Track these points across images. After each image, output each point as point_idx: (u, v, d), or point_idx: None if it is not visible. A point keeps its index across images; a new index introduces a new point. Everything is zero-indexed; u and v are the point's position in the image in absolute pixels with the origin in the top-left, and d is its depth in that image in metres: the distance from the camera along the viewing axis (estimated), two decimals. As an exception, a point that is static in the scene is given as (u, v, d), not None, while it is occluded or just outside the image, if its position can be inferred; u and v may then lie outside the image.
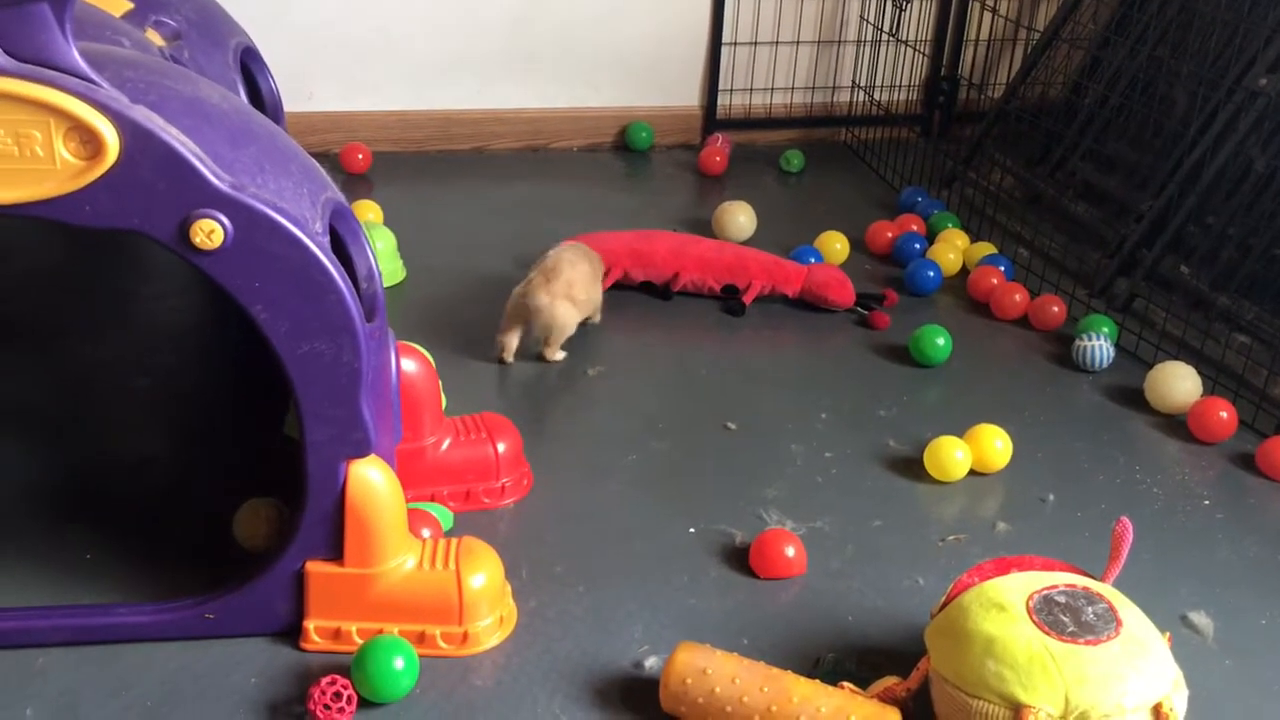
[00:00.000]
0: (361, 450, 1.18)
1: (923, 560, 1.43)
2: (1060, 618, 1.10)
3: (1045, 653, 1.07)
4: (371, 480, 1.19)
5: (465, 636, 1.24)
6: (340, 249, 1.21)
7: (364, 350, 1.14)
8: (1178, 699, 1.10)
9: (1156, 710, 1.08)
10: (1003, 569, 1.21)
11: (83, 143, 1.00)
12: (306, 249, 1.09)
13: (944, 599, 1.19)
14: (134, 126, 1.01)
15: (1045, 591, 1.13)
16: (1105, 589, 1.16)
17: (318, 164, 1.27)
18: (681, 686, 1.15)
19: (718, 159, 2.61)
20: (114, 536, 1.37)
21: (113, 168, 1.01)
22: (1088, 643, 1.08)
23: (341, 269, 1.12)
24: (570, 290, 1.80)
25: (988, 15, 2.61)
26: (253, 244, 1.07)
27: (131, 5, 1.59)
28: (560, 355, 1.83)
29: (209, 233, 1.05)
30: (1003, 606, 1.12)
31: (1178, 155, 2.13)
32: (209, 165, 1.04)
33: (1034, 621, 1.10)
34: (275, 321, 1.10)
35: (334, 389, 1.14)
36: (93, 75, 1.00)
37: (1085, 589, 1.14)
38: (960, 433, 1.62)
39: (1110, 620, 1.11)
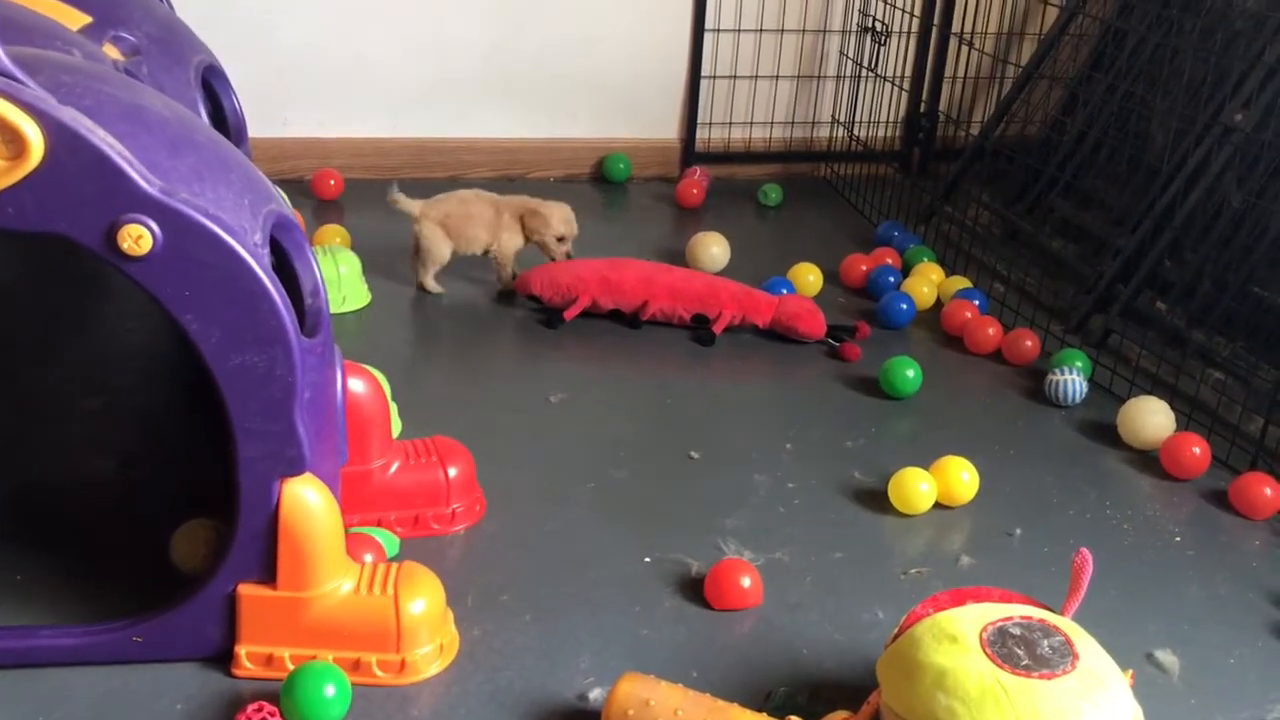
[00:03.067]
0: (295, 468, 1.14)
1: (883, 594, 1.39)
2: (1015, 650, 1.06)
3: (998, 686, 1.03)
4: (306, 500, 1.15)
5: (403, 665, 1.19)
6: (284, 263, 1.19)
7: (299, 364, 1.11)
8: (1137, 736, 1.06)
9: (1115, 748, 1.03)
10: (958, 600, 1.17)
11: (5, 142, 0.97)
12: (239, 257, 1.05)
13: (897, 630, 1.15)
14: (59, 127, 0.98)
15: (1000, 624, 1.09)
16: (1063, 622, 1.12)
17: (264, 177, 1.24)
18: (624, 718, 1.11)
19: (695, 191, 2.59)
20: (48, 558, 1.32)
21: (37, 169, 0.98)
22: (1042, 676, 1.03)
23: (276, 280, 1.09)
24: (444, 219, 2.03)
25: (967, 52, 2.60)
26: (183, 251, 1.03)
27: (90, 19, 1.57)
28: (432, 286, 2.03)
29: (136, 238, 1.02)
30: (955, 638, 1.07)
31: (1154, 192, 2.11)
32: (138, 169, 1.01)
33: (987, 654, 1.06)
34: (206, 331, 1.06)
35: (267, 403, 1.10)
36: (18, 74, 0.98)
37: (1042, 621, 1.10)
38: (928, 465, 1.58)
39: (1067, 654, 1.07)
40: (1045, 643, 1.07)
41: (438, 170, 2.64)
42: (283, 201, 1.26)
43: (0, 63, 0.97)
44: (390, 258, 2.18)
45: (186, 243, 1.03)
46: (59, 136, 0.98)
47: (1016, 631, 1.08)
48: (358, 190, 2.53)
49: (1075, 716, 1.02)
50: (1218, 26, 2.11)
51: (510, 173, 2.68)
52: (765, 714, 1.11)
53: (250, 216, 1.13)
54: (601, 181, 2.73)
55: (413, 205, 2.05)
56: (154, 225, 1.02)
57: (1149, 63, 2.27)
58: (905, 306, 2.07)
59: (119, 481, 1.50)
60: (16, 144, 0.97)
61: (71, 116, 0.99)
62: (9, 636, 1.18)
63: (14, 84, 0.97)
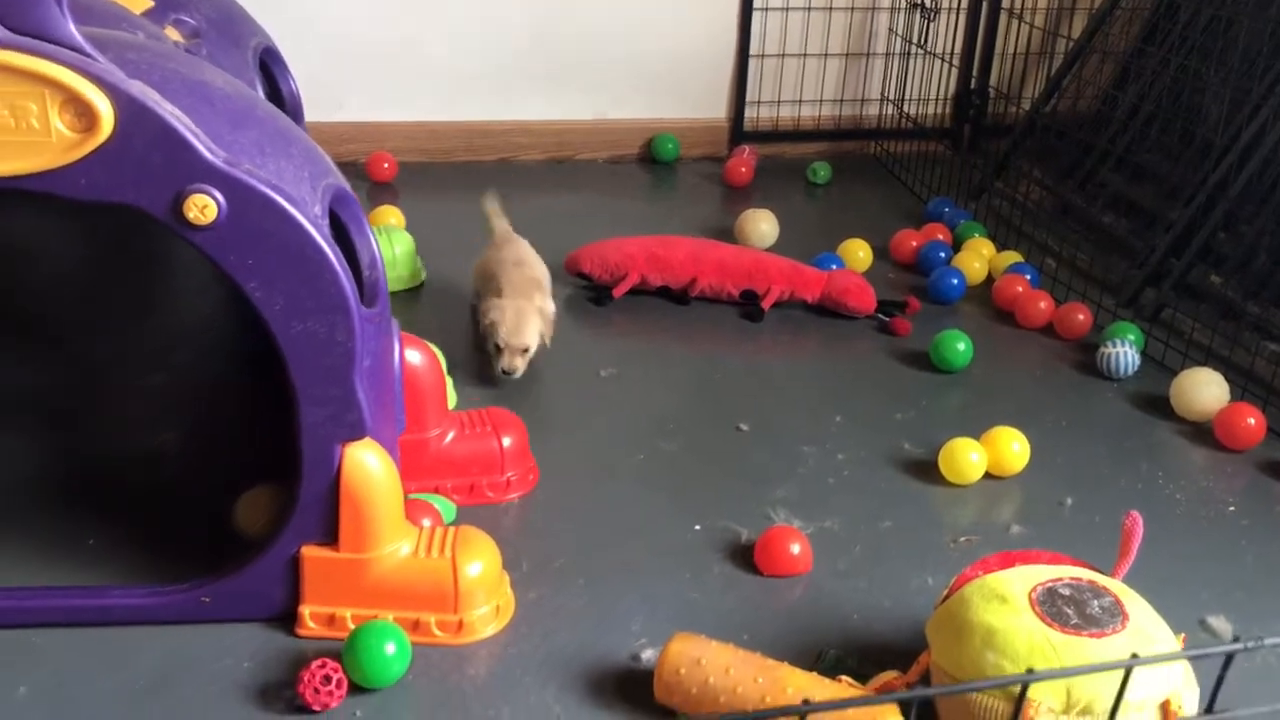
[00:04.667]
0: (356, 433, 1.17)
1: (932, 561, 1.40)
2: (1064, 610, 1.07)
3: (1046, 644, 1.04)
4: (367, 464, 1.18)
5: (460, 625, 1.22)
6: (343, 235, 1.22)
7: (358, 332, 1.14)
8: (1188, 696, 1.06)
9: (1164, 707, 1.04)
10: (1008, 562, 1.17)
11: (78, 115, 1.01)
12: (301, 227, 1.08)
13: (946, 592, 1.16)
14: (129, 100, 1.01)
15: (1049, 584, 1.10)
16: (1113, 583, 1.13)
17: (323, 152, 1.27)
18: (675, 676, 1.13)
19: (743, 170, 2.60)
20: (118, 524, 1.37)
21: (107, 141, 1.02)
22: (1091, 635, 1.04)
23: (337, 250, 1.12)
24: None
25: (1018, 27, 2.58)
26: (246, 220, 1.07)
27: (152, 3, 1.61)
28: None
29: (202, 208, 1.05)
30: (1004, 598, 1.08)
31: (1208, 164, 2.09)
32: (204, 140, 1.05)
33: (1036, 613, 1.07)
34: (269, 299, 1.10)
35: (328, 369, 1.14)
36: (89, 49, 1.01)
37: (1091, 583, 1.11)
38: (978, 437, 1.59)
39: (1116, 614, 1.07)
40: (1095, 603, 1.08)
41: (488, 154, 2.67)
42: (341, 176, 1.29)
43: (72, 38, 1.00)
44: (443, 238, 2.21)
45: (250, 212, 1.06)
46: (128, 109, 1.01)
47: (1066, 592, 1.09)
48: (411, 173, 2.56)
49: (1125, 673, 1.02)
50: (1274, -4, 2.08)
51: (560, 155, 2.71)
52: (816, 674, 1.13)
53: (310, 189, 1.16)
54: (650, 162, 2.74)
55: (502, 222, 1.99)
56: (219, 195, 1.05)
57: (1203, 34, 2.25)
58: (956, 281, 2.07)
59: (182, 453, 1.55)
60: (88, 117, 1.01)
61: (140, 90, 1.02)
62: (81, 595, 1.22)
63: (85, 59, 1.00)
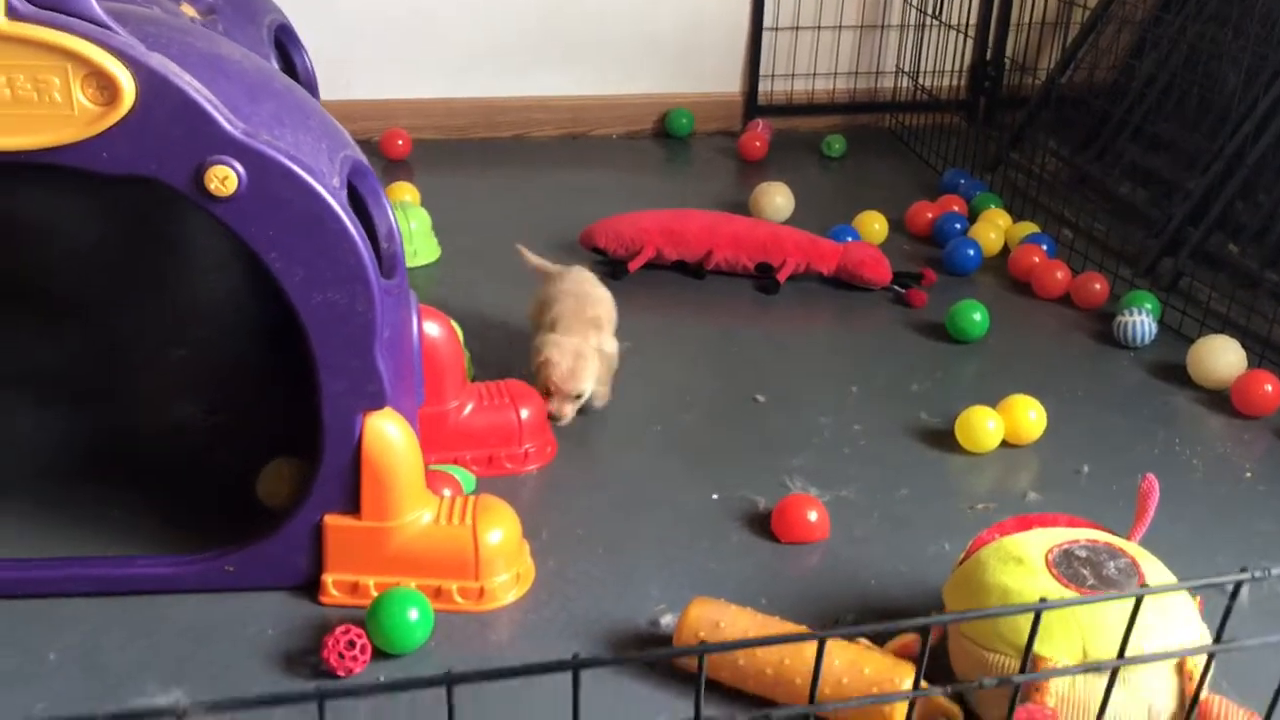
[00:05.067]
0: (377, 402, 1.19)
1: (949, 528, 1.41)
2: (1080, 570, 1.08)
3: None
4: (387, 433, 1.20)
5: (482, 592, 1.24)
6: (360, 207, 1.22)
7: (378, 302, 1.15)
8: (1202, 657, 1.07)
9: (1180, 666, 1.05)
10: (1024, 525, 1.18)
11: (100, 89, 1.02)
12: (320, 198, 1.09)
13: (963, 555, 1.17)
14: (149, 73, 1.02)
15: (1066, 546, 1.11)
16: (1129, 546, 1.13)
17: (340, 125, 1.28)
18: (694, 640, 1.14)
19: (757, 144, 2.60)
20: (142, 496, 1.38)
21: (129, 114, 1.03)
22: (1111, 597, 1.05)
23: (356, 220, 1.13)
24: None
25: (1033, -3, 2.57)
26: (266, 191, 1.08)
27: (167, -19, 1.62)
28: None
29: (223, 179, 1.06)
30: (1020, 560, 1.09)
31: (1226, 133, 2.08)
32: (223, 112, 1.06)
33: (1052, 574, 1.07)
34: (289, 270, 1.11)
35: (348, 339, 1.15)
36: (110, 23, 1.02)
37: (1108, 544, 1.11)
38: (995, 406, 1.59)
39: (1132, 575, 1.08)
40: (1111, 564, 1.09)
41: (503, 130, 2.67)
42: (358, 149, 1.30)
43: (93, 12, 1.01)
44: (459, 214, 2.22)
45: (270, 183, 1.07)
46: (149, 82, 1.03)
47: (1082, 554, 1.10)
48: (425, 150, 2.57)
49: (1141, 634, 1.03)
50: (1292, -39, 2.06)
51: (575, 130, 2.71)
52: (834, 638, 1.14)
53: (328, 161, 1.17)
54: (664, 137, 2.74)
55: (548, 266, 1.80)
56: (239, 166, 1.06)
57: (1221, 2, 2.23)
58: (972, 252, 2.07)
59: (205, 426, 1.56)
60: (110, 90, 1.02)
61: (160, 62, 1.03)
62: (107, 565, 1.24)
63: (106, 32, 1.01)
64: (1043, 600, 0.64)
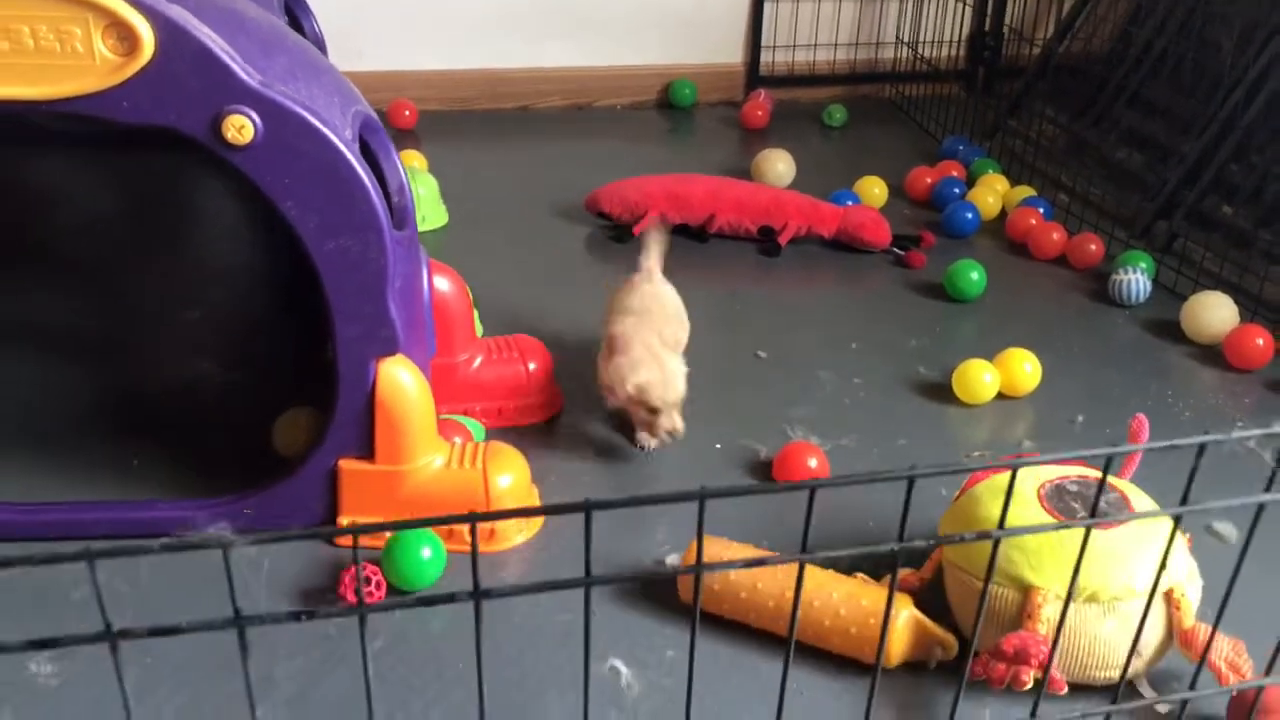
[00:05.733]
0: (389, 348, 1.22)
1: (947, 475, 1.44)
2: (1071, 504, 1.11)
3: (1055, 536, 1.08)
4: (400, 378, 1.23)
5: (492, 533, 1.28)
6: (372, 162, 1.26)
7: (390, 250, 1.18)
8: (1190, 588, 1.11)
9: (1168, 596, 1.08)
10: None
11: (120, 39, 1.05)
12: (334, 146, 1.13)
13: (958, 493, 1.21)
14: (168, 23, 1.06)
15: (1057, 481, 1.14)
16: (1120, 482, 1.17)
17: (350, 83, 1.31)
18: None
19: (759, 114, 2.63)
20: (159, 447, 1.43)
21: (149, 64, 1.06)
22: (1098, 527, 1.08)
23: (369, 169, 1.16)
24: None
25: (1031, -34, 2.60)
26: (282, 141, 1.11)
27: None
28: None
29: (239, 128, 1.09)
30: (1014, 494, 1.13)
31: (1220, 97, 2.11)
32: (240, 63, 1.09)
33: (1045, 507, 1.11)
34: (304, 217, 1.14)
35: (362, 286, 1.18)
36: (129, -25, 1.05)
37: (1098, 480, 1.15)
38: (991, 360, 1.62)
39: (1122, 508, 1.12)
40: (1101, 499, 1.12)
41: (508, 101, 2.70)
42: (368, 105, 1.33)
43: (113, -36, 1.04)
44: (465, 182, 2.25)
45: (285, 132, 1.11)
46: (168, 32, 1.06)
47: (1074, 488, 1.13)
48: (431, 120, 2.60)
49: (1130, 563, 1.07)
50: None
51: (579, 101, 2.74)
52: (833, 572, 1.18)
53: (340, 114, 1.20)
54: (668, 108, 2.77)
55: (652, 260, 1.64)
56: (255, 116, 1.10)
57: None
58: (970, 215, 2.10)
59: (220, 383, 1.60)
60: (130, 40, 1.05)
61: (179, 13, 1.06)
62: (129, 509, 1.28)
63: (126, -16, 1.05)
64: (1001, 527, 0.68)
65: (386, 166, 1.28)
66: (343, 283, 1.18)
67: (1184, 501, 0.78)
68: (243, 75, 1.09)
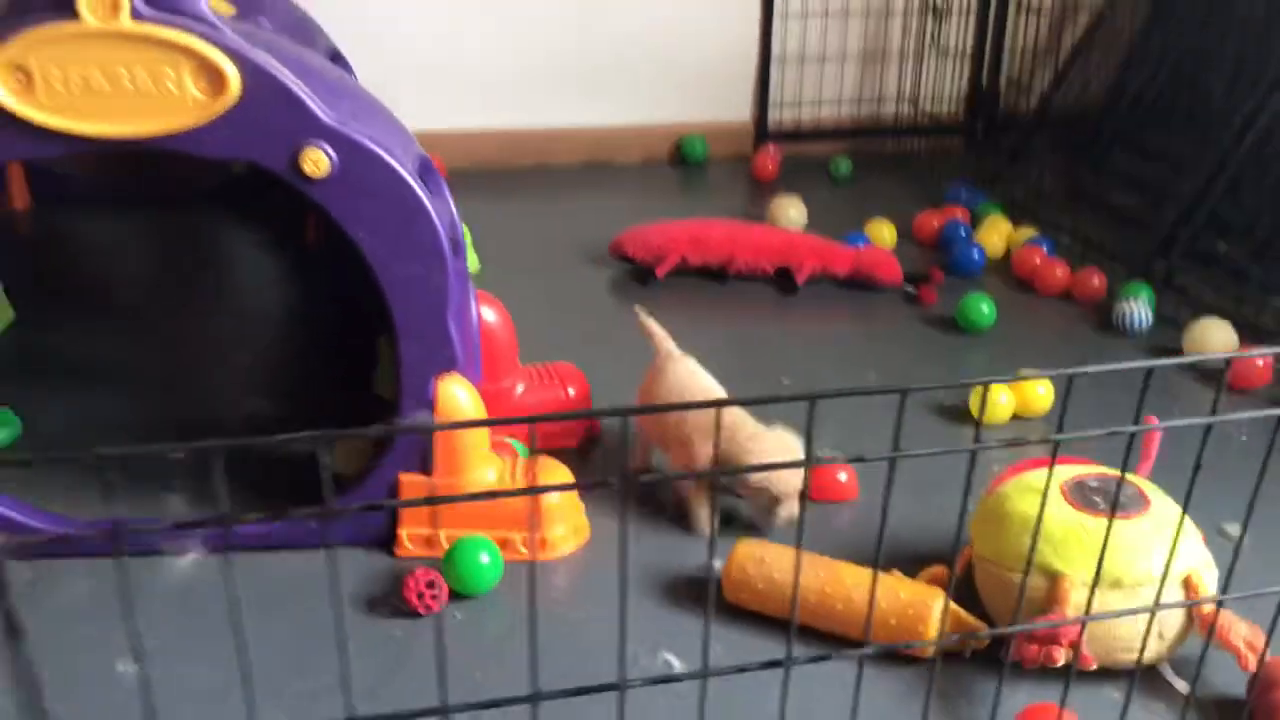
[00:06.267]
0: (448, 367, 1.31)
1: (974, 489, 1.52)
2: (1092, 498, 1.19)
3: (1079, 526, 1.16)
4: (457, 395, 1.31)
5: (544, 543, 1.35)
6: (427, 198, 1.35)
7: (451, 274, 1.27)
8: (1207, 575, 1.18)
9: (1186, 581, 1.16)
10: (1039, 466, 1.29)
11: (209, 80, 1.15)
12: (402, 179, 1.22)
13: (984, 493, 1.29)
14: (253, 66, 1.16)
15: (1078, 479, 1.22)
16: (1136, 479, 1.25)
17: (404, 125, 1.42)
18: (742, 574, 1.25)
19: (769, 165, 2.74)
20: (226, 470, 1.49)
21: (235, 103, 1.16)
22: (1119, 517, 1.16)
23: (431, 198, 1.26)
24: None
25: (1027, 22, 2.73)
26: (355, 173, 1.21)
27: (234, 10, 1.76)
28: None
29: (316, 162, 1.19)
30: (1038, 490, 1.21)
31: (1214, 139, 2.22)
32: (317, 102, 1.19)
33: (1068, 501, 1.19)
34: (374, 245, 1.23)
35: (425, 308, 1.27)
36: (217, 22, 1.15)
37: (1117, 477, 1.23)
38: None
39: (1140, 501, 1.19)
40: (1120, 493, 1.20)
41: (528, 158, 2.82)
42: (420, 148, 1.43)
43: (203, 12, 1.15)
44: (492, 234, 2.35)
45: (358, 165, 1.20)
46: (253, 74, 1.16)
47: (1094, 484, 1.21)
48: (456, 177, 2.70)
49: (1150, 551, 1.14)
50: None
51: (596, 158, 2.85)
52: (870, 569, 1.25)
53: (401, 152, 1.30)
54: (680, 163, 2.89)
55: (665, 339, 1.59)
56: (331, 150, 1.19)
57: (1204, 15, 2.38)
58: (977, 255, 2.20)
59: (274, 417, 1.68)
60: (218, 82, 1.15)
61: (263, 57, 1.16)
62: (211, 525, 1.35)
63: (215, 30, 1.15)
64: (1037, 524, 0.75)
65: (439, 203, 1.37)
66: (408, 306, 1.26)
67: (1197, 468, 0.85)
68: (320, 113, 1.19)
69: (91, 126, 1.14)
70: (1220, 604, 1.06)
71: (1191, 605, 1.15)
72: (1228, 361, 0.84)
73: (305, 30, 1.83)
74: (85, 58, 1.12)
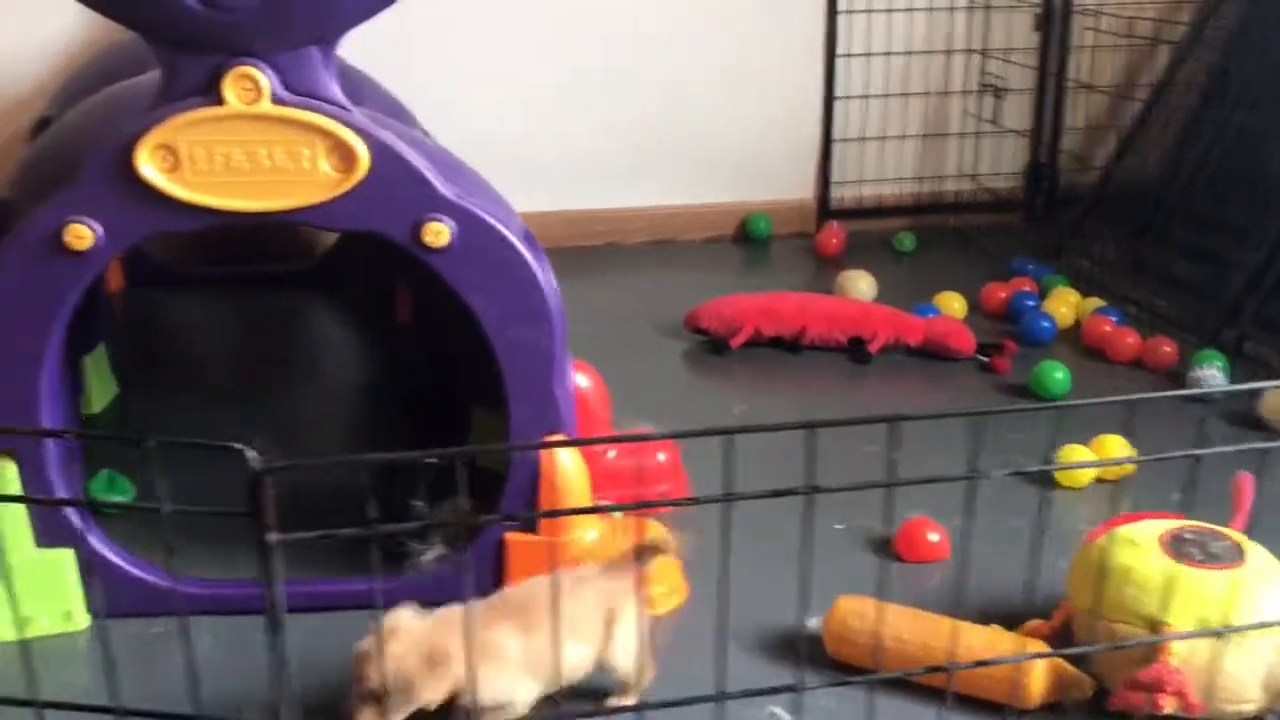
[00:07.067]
0: (554, 427, 1.36)
1: (1060, 547, 1.54)
2: (1189, 550, 1.22)
3: (1179, 577, 1.18)
4: (562, 456, 1.37)
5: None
6: (531, 268, 1.42)
7: (559, 339, 1.34)
8: (1309, 626, 1.20)
9: (1289, 632, 1.18)
10: (1133, 520, 1.32)
11: (341, 158, 1.23)
12: (515, 249, 1.30)
13: (1083, 543, 1.31)
14: (381, 145, 1.24)
15: (1175, 531, 1.25)
16: (1231, 532, 1.27)
17: (508, 201, 1.49)
18: (844, 628, 1.28)
19: (834, 241, 2.81)
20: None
21: (364, 179, 1.24)
22: (1216, 568, 1.19)
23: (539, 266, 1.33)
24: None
25: (1084, 100, 2.80)
26: (472, 243, 1.28)
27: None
28: None
29: (437, 233, 1.26)
30: (1135, 543, 1.24)
31: (1277, 207, 2.26)
32: (438, 177, 1.26)
33: (1165, 552, 1.22)
34: (489, 310, 1.30)
35: (534, 370, 1.33)
36: (349, 105, 1.24)
37: (1212, 529, 1.26)
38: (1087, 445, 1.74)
39: (1237, 553, 1.22)
40: (1216, 544, 1.23)
41: (598, 238, 2.90)
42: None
43: (337, 96, 1.23)
44: (569, 306, 2.42)
45: (475, 236, 1.28)
46: (380, 152, 1.24)
47: (1190, 536, 1.24)
48: (528, 256, 2.80)
49: (1249, 598, 1.17)
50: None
51: (662, 237, 2.94)
52: (969, 623, 1.28)
53: (511, 224, 1.37)
54: (745, 240, 2.96)
55: None
56: (451, 222, 1.26)
57: (1261, 87, 2.43)
58: (1047, 324, 2.24)
59: (363, 486, 1.74)
60: (350, 159, 1.23)
61: (390, 137, 1.25)
62: (319, 584, 1.41)
63: (347, 112, 1.23)
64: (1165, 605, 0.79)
65: (545, 270, 1.44)
66: (519, 368, 1.33)
67: None
68: (440, 188, 1.26)
69: (232, 202, 1.22)
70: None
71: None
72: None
73: (403, 116, 1.92)
74: (228, 138, 1.20)
